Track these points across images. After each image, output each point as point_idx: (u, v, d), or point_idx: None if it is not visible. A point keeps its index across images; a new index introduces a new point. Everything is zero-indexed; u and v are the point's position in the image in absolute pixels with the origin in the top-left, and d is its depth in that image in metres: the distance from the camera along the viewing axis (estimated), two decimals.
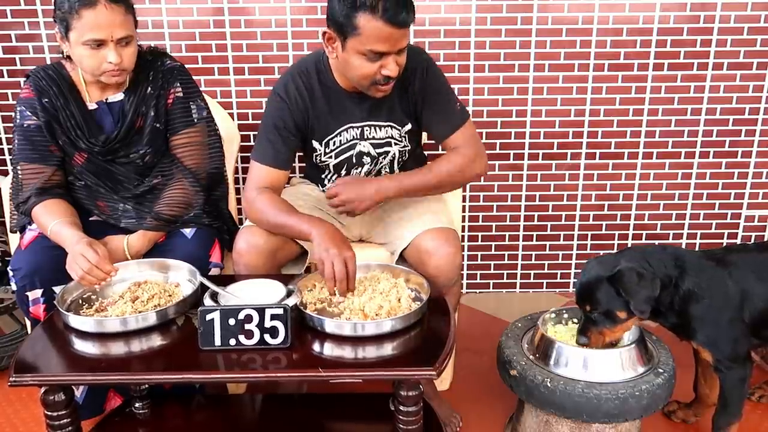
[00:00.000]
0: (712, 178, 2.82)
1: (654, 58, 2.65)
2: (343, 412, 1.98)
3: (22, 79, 2.31)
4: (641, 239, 2.90)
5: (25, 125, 1.93)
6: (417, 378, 1.48)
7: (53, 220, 1.86)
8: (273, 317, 1.49)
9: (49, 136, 1.93)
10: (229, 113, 2.42)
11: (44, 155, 1.94)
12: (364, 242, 2.15)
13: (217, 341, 1.50)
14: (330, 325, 1.55)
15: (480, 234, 2.91)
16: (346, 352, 1.52)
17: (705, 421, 2.00)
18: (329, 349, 1.53)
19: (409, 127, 1.98)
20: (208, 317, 1.49)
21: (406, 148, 2.03)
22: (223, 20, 2.60)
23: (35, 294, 1.85)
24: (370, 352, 1.52)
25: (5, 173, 2.69)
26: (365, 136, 1.97)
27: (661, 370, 1.79)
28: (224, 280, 1.75)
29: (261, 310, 1.49)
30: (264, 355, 1.50)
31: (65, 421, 1.52)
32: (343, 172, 2.03)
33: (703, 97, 2.70)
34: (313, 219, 1.80)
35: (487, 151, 2.74)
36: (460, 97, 2.65)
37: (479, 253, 2.94)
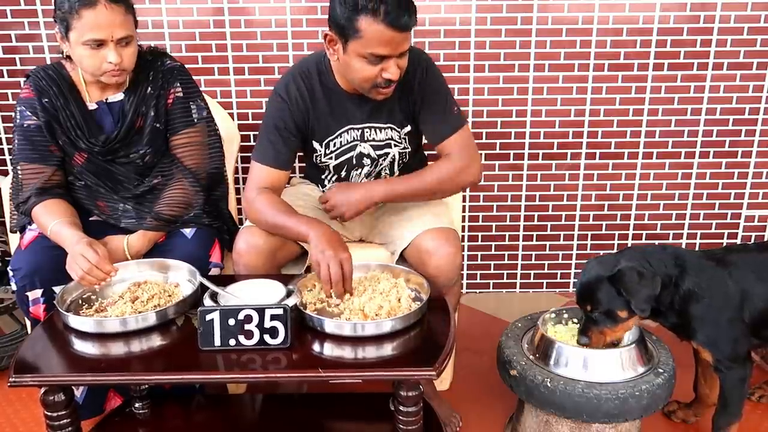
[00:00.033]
0: (712, 178, 2.82)
1: (654, 58, 2.65)
2: (343, 412, 1.98)
3: (22, 79, 2.31)
4: (641, 239, 2.90)
5: (25, 125, 1.93)
6: (417, 378, 1.48)
7: (53, 220, 1.86)
8: (273, 317, 1.49)
9: (49, 136, 1.93)
10: (229, 113, 2.42)
11: (44, 155, 1.94)
12: (365, 242, 2.15)
13: (217, 341, 1.50)
14: (330, 326, 1.55)
15: (480, 234, 2.91)
16: (346, 353, 1.52)
17: (705, 421, 2.00)
18: (329, 350, 1.53)
19: (408, 128, 1.98)
20: (208, 317, 1.49)
21: (406, 150, 2.03)
22: (223, 20, 2.60)
23: (35, 294, 1.85)
24: (370, 352, 1.52)
25: (5, 173, 2.69)
26: (365, 138, 1.96)
27: (661, 370, 1.79)
28: (224, 280, 1.75)
29: (261, 311, 1.49)
30: (264, 356, 1.50)
31: (65, 421, 1.52)
32: (343, 173, 2.03)
33: (703, 97, 2.70)
34: (310, 220, 1.80)
35: (487, 151, 2.77)
36: (460, 98, 2.68)
37: (479, 253, 2.94)
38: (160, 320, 1.61)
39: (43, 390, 1.50)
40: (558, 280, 2.99)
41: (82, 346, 1.56)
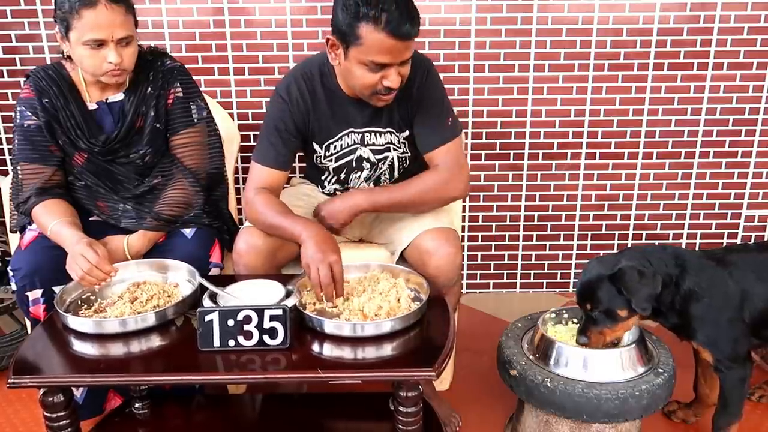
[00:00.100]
0: (712, 178, 2.82)
1: (654, 58, 2.65)
2: (343, 411, 1.98)
3: (22, 79, 2.31)
4: (641, 239, 2.90)
5: (25, 125, 1.93)
6: (416, 378, 1.48)
7: (53, 220, 1.86)
8: (272, 318, 1.49)
9: (49, 136, 1.93)
10: (229, 113, 2.42)
11: (44, 155, 1.94)
12: (365, 242, 2.15)
13: (216, 342, 1.50)
14: (329, 326, 1.55)
15: (480, 234, 2.91)
16: (346, 353, 1.52)
17: (705, 421, 2.00)
18: (328, 350, 1.53)
19: (407, 133, 1.97)
20: (207, 318, 1.49)
21: (406, 155, 2.02)
22: (223, 20, 2.60)
23: (35, 294, 1.85)
24: (370, 352, 1.52)
25: (5, 173, 2.69)
26: (365, 142, 1.96)
27: (661, 370, 1.79)
28: (224, 281, 1.75)
29: (260, 311, 1.49)
30: (263, 356, 1.50)
31: (64, 422, 1.52)
32: (343, 175, 2.03)
33: (703, 97, 2.70)
34: (305, 221, 1.80)
35: (487, 151, 2.77)
36: (460, 98, 2.68)
37: (479, 253, 2.94)
38: (160, 321, 1.61)
39: (42, 391, 1.50)
40: (558, 280, 2.99)
41: (81, 347, 1.56)
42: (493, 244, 2.93)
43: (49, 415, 1.50)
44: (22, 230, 2.01)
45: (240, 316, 1.49)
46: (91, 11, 1.75)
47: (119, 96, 1.96)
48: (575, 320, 1.94)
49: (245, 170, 2.60)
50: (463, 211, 2.81)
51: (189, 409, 2.03)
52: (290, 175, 2.09)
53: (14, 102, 2.26)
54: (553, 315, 1.97)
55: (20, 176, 1.95)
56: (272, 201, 1.87)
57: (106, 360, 1.53)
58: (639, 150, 2.78)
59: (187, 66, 2.06)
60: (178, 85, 2.01)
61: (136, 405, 1.94)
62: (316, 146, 1.98)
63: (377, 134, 1.95)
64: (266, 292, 1.66)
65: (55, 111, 1.92)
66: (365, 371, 1.50)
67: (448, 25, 2.61)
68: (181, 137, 2.02)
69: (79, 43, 1.79)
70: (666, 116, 2.73)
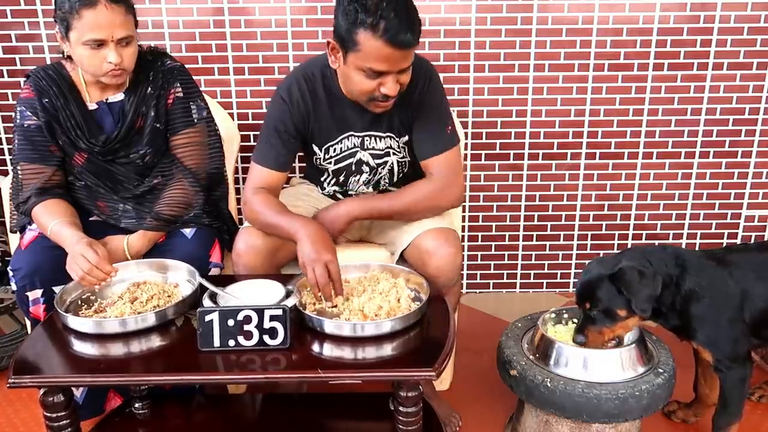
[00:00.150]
0: (712, 178, 2.82)
1: (654, 58, 2.65)
2: (343, 411, 1.98)
3: (22, 79, 2.31)
4: (641, 239, 2.90)
5: (25, 125, 1.93)
6: (417, 378, 1.48)
7: (53, 220, 1.86)
8: (272, 318, 1.49)
9: (49, 136, 1.93)
10: (229, 113, 2.42)
11: (44, 155, 1.94)
12: (365, 242, 2.15)
13: (216, 342, 1.50)
14: (329, 326, 1.55)
15: (480, 234, 2.91)
16: (346, 353, 1.52)
17: (705, 421, 2.00)
18: (328, 350, 1.53)
19: (406, 138, 1.97)
20: (207, 318, 1.49)
21: (405, 159, 2.02)
22: (223, 20, 2.60)
23: (35, 294, 1.85)
24: (370, 352, 1.52)
25: (5, 173, 2.69)
26: (365, 147, 1.96)
27: (661, 370, 1.79)
28: (224, 281, 1.75)
29: (260, 311, 1.49)
30: (263, 356, 1.50)
31: (65, 422, 1.52)
32: (342, 178, 2.03)
33: (703, 97, 2.70)
34: (302, 220, 1.79)
35: (487, 151, 2.77)
36: (460, 98, 2.68)
37: (479, 253, 2.94)
38: (160, 321, 1.61)
39: (42, 391, 1.50)
40: (558, 280, 2.99)
41: (81, 347, 1.56)
42: (493, 244, 2.93)
43: (49, 415, 1.50)
44: (22, 230, 2.01)
45: (240, 316, 1.49)
46: (91, 11, 1.75)
47: (119, 96, 1.96)
48: (575, 320, 1.94)
49: (245, 170, 2.60)
50: (463, 211, 2.81)
51: (189, 409, 2.03)
52: (290, 175, 2.09)
53: (14, 102, 2.26)
54: (553, 315, 1.97)
55: (20, 176, 1.95)
56: (270, 200, 1.87)
57: (106, 360, 1.53)
58: (639, 150, 2.78)
59: (187, 66, 2.06)
60: (178, 85, 2.01)
61: (136, 405, 1.94)
62: (315, 148, 1.97)
63: (377, 138, 1.95)
64: (266, 292, 1.66)
65: (55, 111, 1.92)
66: (365, 371, 1.50)
67: (448, 25, 2.61)
68: (181, 137, 2.02)
69: (79, 43, 1.79)
70: (666, 116, 2.73)
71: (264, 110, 2.65)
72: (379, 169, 2.01)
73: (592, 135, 2.76)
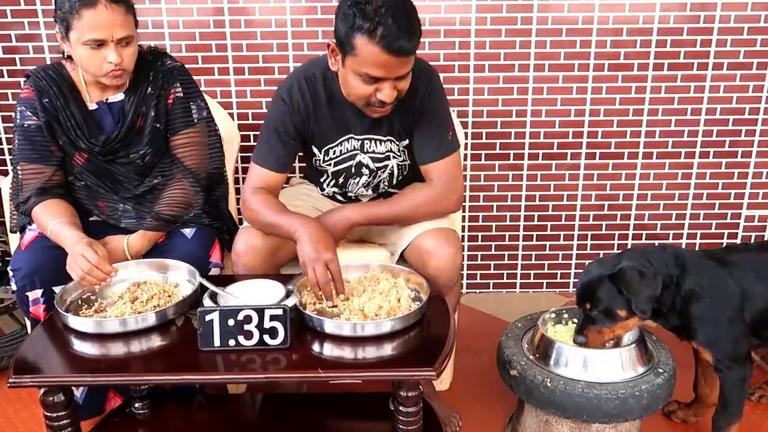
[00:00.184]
0: (712, 178, 2.82)
1: (654, 58, 2.65)
2: (343, 411, 1.98)
3: (22, 79, 2.31)
4: (641, 239, 2.90)
5: (25, 125, 1.93)
6: (417, 378, 1.48)
7: (53, 220, 1.86)
8: (272, 318, 1.49)
9: (49, 136, 1.93)
10: (229, 113, 2.42)
11: (44, 155, 1.94)
12: (365, 242, 2.15)
13: (217, 342, 1.50)
14: (329, 326, 1.55)
15: (480, 234, 2.91)
16: (346, 353, 1.52)
17: (705, 421, 2.00)
18: (329, 350, 1.53)
19: (406, 142, 1.96)
20: (208, 318, 1.49)
21: (405, 163, 2.02)
22: (223, 20, 2.60)
23: (35, 294, 1.85)
24: (370, 352, 1.52)
25: (5, 173, 2.69)
26: (365, 150, 1.96)
27: (661, 370, 1.79)
28: (224, 281, 1.75)
29: (260, 311, 1.49)
30: (263, 356, 1.50)
31: (65, 422, 1.52)
32: (341, 179, 2.03)
33: (703, 97, 2.70)
34: (301, 218, 1.79)
35: (487, 151, 2.78)
36: (460, 98, 2.68)
37: (479, 253, 2.94)
38: (160, 321, 1.61)
39: (42, 391, 1.50)
40: (558, 280, 2.99)
41: (81, 347, 1.56)
42: (493, 244, 2.93)
43: (49, 414, 1.50)
44: (22, 230, 2.01)
45: (240, 316, 1.49)
46: (91, 11, 1.75)
47: (119, 96, 1.96)
48: (575, 320, 1.94)
49: (245, 170, 2.59)
50: (463, 211, 2.81)
51: (189, 409, 2.03)
52: (290, 175, 2.09)
53: (14, 102, 2.26)
54: (553, 315, 1.97)
55: (20, 176, 1.96)
56: (269, 200, 1.87)
57: (106, 360, 1.53)
58: (639, 150, 2.78)
59: (187, 66, 2.06)
60: (179, 85, 2.01)
61: (136, 405, 1.94)
62: (315, 150, 1.97)
63: (377, 142, 1.95)
64: (266, 292, 1.66)
65: (56, 111, 1.92)
66: (365, 371, 1.50)
67: (448, 25, 2.61)
68: (181, 137, 2.02)
69: (79, 43, 1.79)
70: (666, 116, 2.73)
71: (264, 110, 2.65)
72: (379, 172, 2.01)
73: (592, 135, 2.76)
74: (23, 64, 2.65)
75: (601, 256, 2.85)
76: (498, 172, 2.81)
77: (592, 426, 1.80)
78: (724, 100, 2.70)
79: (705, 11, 2.59)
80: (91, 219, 2.03)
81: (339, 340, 1.54)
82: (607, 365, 1.77)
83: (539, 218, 2.88)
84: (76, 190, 2.02)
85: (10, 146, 2.49)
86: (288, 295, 1.65)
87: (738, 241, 2.90)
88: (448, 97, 1.99)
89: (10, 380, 1.44)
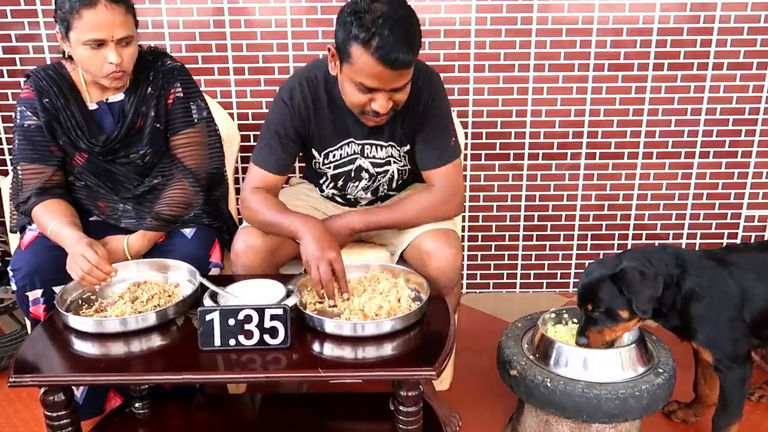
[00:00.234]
0: (712, 178, 2.82)
1: (654, 58, 2.65)
2: (343, 411, 1.98)
3: (22, 79, 2.31)
4: (641, 239, 2.90)
5: (25, 125, 1.93)
6: (417, 378, 1.48)
7: (53, 220, 1.86)
8: (273, 317, 1.49)
9: (49, 137, 1.93)
10: (229, 113, 2.42)
11: (44, 155, 1.94)
12: (365, 243, 2.15)
13: (217, 341, 1.50)
14: (330, 326, 1.55)
15: (480, 234, 2.91)
16: (346, 353, 1.52)
17: (705, 421, 2.00)
18: (329, 350, 1.53)
19: (408, 147, 1.96)
20: (208, 317, 1.49)
21: (406, 168, 2.02)
22: (223, 20, 2.60)
23: (35, 294, 1.85)
24: (370, 352, 1.52)
25: (5, 173, 2.69)
26: (365, 154, 1.96)
27: (661, 370, 1.79)
28: (224, 280, 1.75)
29: (260, 311, 1.49)
30: (264, 356, 1.50)
31: (65, 421, 1.52)
32: (341, 183, 2.03)
33: (703, 97, 2.70)
34: (303, 218, 1.80)
35: (487, 151, 2.78)
36: (460, 98, 2.68)
37: (479, 253, 2.94)
38: (160, 320, 1.61)
39: (43, 390, 1.50)
40: (558, 280, 2.99)
41: (82, 346, 1.56)
42: (493, 244, 2.93)
43: (49, 414, 1.50)
44: (22, 230, 2.01)
45: (241, 316, 1.49)
46: (91, 11, 1.75)
47: (119, 96, 1.96)
48: (575, 320, 1.94)
49: (245, 170, 2.59)
50: (463, 211, 2.81)
51: (189, 408, 2.03)
52: (289, 175, 2.09)
53: (14, 102, 2.26)
54: (553, 315, 1.97)
55: (20, 176, 1.95)
56: (269, 199, 1.87)
57: (106, 359, 1.53)
58: (639, 150, 2.78)
59: (187, 66, 2.06)
60: (179, 85, 2.01)
61: (136, 405, 1.94)
62: (315, 153, 1.97)
63: (378, 147, 1.94)
64: (267, 292, 1.66)
65: (56, 111, 1.92)
66: (366, 370, 1.50)
67: (448, 25, 2.61)
68: (181, 137, 2.02)
69: (79, 43, 1.79)
70: (666, 116, 2.73)
71: (264, 110, 2.65)
72: (379, 176, 2.00)
73: (592, 135, 2.76)
74: (23, 64, 2.64)
75: (601, 256, 2.86)
76: (498, 172, 2.81)
77: (592, 426, 1.80)
78: (724, 100, 2.70)
79: (705, 11, 2.59)
80: (91, 219, 2.03)
81: (339, 339, 1.54)
82: (607, 365, 1.77)
83: (539, 218, 2.88)
84: (76, 190, 2.02)
85: (10, 146, 2.48)
86: (288, 294, 1.65)
87: (738, 241, 2.90)
88: (448, 97, 1.98)
89: (10, 379, 1.44)
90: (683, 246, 2.89)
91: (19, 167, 1.95)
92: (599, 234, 2.90)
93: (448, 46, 2.64)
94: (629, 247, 2.90)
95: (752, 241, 2.88)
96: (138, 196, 2.02)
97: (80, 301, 1.74)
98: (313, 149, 1.96)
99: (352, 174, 2.00)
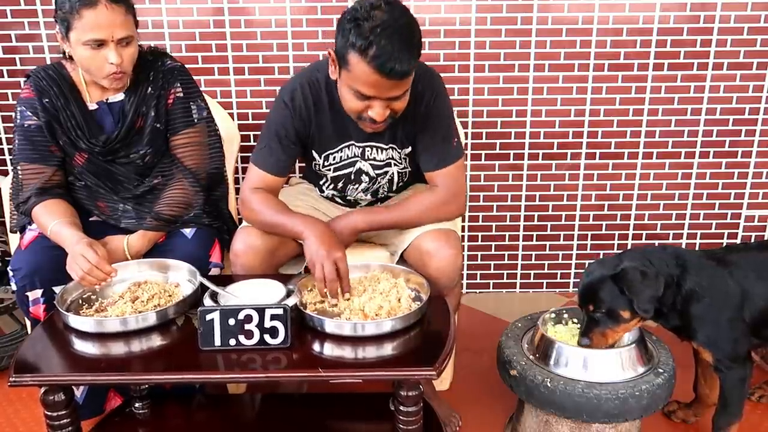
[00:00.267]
0: (712, 178, 2.82)
1: (654, 58, 2.65)
2: (343, 411, 1.98)
3: (22, 79, 2.31)
4: (641, 239, 2.90)
5: (25, 125, 1.93)
6: (417, 378, 1.48)
7: (53, 220, 1.86)
8: (273, 317, 1.49)
9: (49, 137, 1.93)
10: (229, 113, 2.42)
11: (44, 155, 1.94)
12: (365, 243, 2.15)
13: (217, 341, 1.50)
14: (330, 325, 1.55)
15: (480, 234, 2.91)
16: (346, 352, 1.52)
17: (705, 421, 2.00)
18: (329, 349, 1.53)
19: (409, 149, 1.96)
20: (208, 317, 1.49)
21: (406, 170, 2.02)
22: (223, 20, 2.60)
23: (35, 294, 1.85)
24: (370, 352, 1.52)
25: (5, 173, 2.69)
26: (366, 157, 1.95)
27: (661, 370, 1.79)
28: (224, 280, 1.75)
29: (261, 311, 1.49)
30: (264, 355, 1.50)
31: (65, 421, 1.52)
32: (340, 185, 2.03)
33: (703, 97, 2.70)
34: (306, 218, 1.80)
35: (487, 151, 2.78)
36: (460, 98, 2.68)
37: (479, 253, 2.94)
38: (160, 320, 1.61)
39: (43, 390, 1.50)
40: (558, 280, 2.99)
41: (82, 346, 1.56)
42: (493, 244, 2.93)
43: (50, 414, 1.50)
44: (22, 230, 2.01)
45: (241, 315, 1.49)
46: (91, 11, 1.75)
47: (119, 96, 1.96)
48: (575, 320, 1.94)
49: (245, 170, 2.59)
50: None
51: (189, 408, 2.03)
52: (289, 175, 2.09)
53: (14, 102, 2.26)
54: (553, 315, 1.97)
55: (20, 176, 1.95)
56: (270, 199, 1.87)
57: (107, 359, 1.53)
58: (639, 150, 2.78)
59: (187, 66, 2.06)
60: (179, 85, 2.01)
61: (136, 405, 1.94)
62: (315, 154, 1.97)
63: (378, 150, 1.94)
64: (267, 292, 1.66)
65: (56, 111, 1.92)
66: (366, 370, 1.50)
67: (448, 25, 2.61)
68: (182, 137, 2.02)
69: (79, 43, 1.79)
70: (666, 116, 2.73)
71: (264, 110, 2.65)
72: (379, 179, 2.00)
73: (592, 135, 2.76)
74: (23, 64, 2.64)
75: (601, 256, 2.86)
76: (498, 172, 2.81)
77: (592, 426, 1.80)
78: (724, 100, 2.70)
79: (705, 11, 2.59)
80: (91, 219, 2.04)
81: (339, 339, 1.54)
82: (607, 365, 1.77)
83: (539, 218, 2.88)
84: (77, 190, 2.02)
85: (10, 146, 2.48)
86: (288, 294, 1.65)
87: (738, 241, 2.90)
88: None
89: (10, 379, 1.44)
90: (683, 246, 2.89)
91: (19, 167, 1.95)
92: (599, 234, 2.90)
93: (448, 46, 2.64)
94: (629, 247, 2.90)
95: (752, 241, 2.88)
96: (138, 196, 2.02)
97: (80, 301, 1.74)
98: (313, 151, 1.96)
99: (352, 176, 2.00)
